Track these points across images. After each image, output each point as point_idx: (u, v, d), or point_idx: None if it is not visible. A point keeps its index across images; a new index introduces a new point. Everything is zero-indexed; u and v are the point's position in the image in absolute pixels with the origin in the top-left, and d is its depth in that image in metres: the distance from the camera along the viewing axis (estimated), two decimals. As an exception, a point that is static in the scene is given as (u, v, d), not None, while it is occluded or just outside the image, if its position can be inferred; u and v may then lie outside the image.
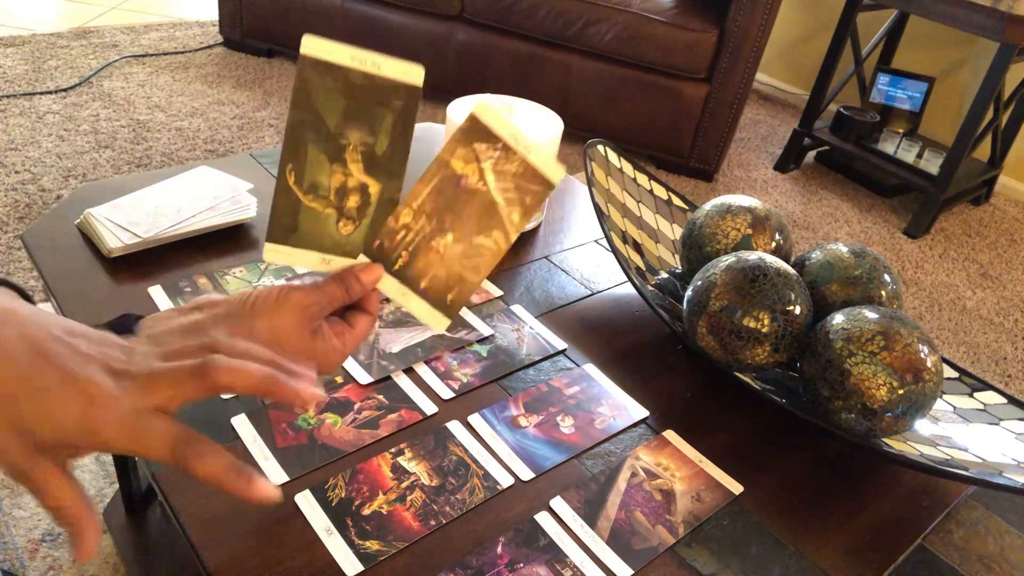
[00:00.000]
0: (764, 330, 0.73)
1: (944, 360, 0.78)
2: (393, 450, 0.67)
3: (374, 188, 0.52)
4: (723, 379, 0.82)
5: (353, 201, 0.52)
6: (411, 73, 0.50)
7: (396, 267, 0.54)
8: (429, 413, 0.71)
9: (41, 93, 2.28)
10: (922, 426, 0.77)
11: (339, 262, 0.53)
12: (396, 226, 0.53)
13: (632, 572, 0.60)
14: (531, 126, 0.96)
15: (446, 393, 0.74)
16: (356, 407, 0.70)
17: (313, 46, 0.48)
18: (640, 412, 0.76)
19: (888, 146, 2.55)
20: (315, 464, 0.64)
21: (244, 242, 0.89)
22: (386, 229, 0.53)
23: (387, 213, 0.52)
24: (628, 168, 1.01)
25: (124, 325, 0.47)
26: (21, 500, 1.15)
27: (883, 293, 0.79)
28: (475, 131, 0.52)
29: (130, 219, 0.85)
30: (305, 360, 0.49)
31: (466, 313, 0.84)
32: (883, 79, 2.71)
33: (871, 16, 2.82)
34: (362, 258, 0.53)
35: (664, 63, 2.34)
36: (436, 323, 0.55)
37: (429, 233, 0.53)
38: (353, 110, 0.50)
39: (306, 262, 0.52)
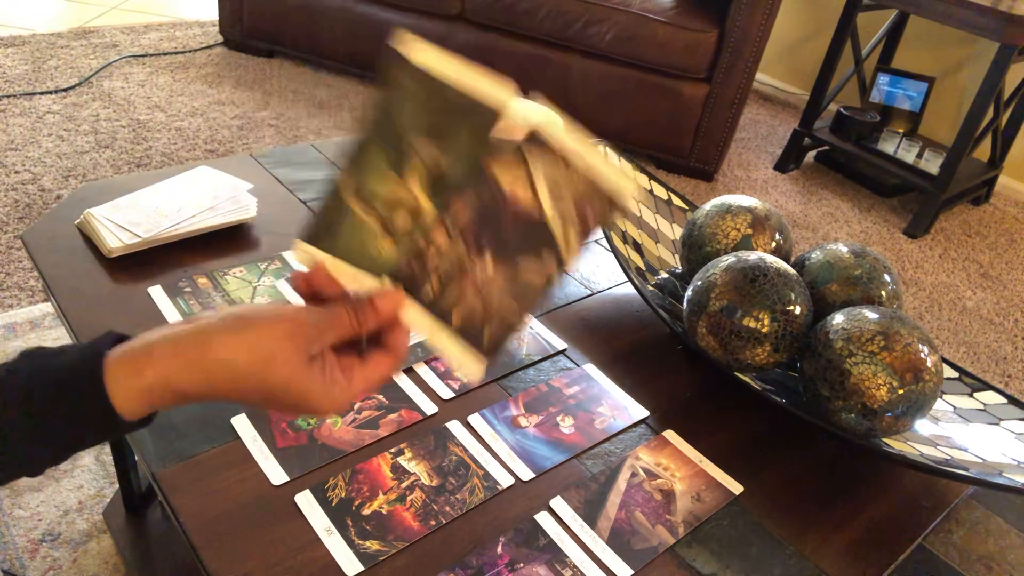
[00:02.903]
0: (764, 330, 0.73)
1: (944, 360, 0.78)
2: (393, 450, 0.67)
3: (429, 214, 0.44)
4: (723, 379, 0.82)
5: (401, 220, 0.44)
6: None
7: (427, 297, 0.45)
8: (429, 413, 0.71)
9: (41, 93, 2.28)
10: (922, 426, 0.77)
11: (369, 283, 0.45)
12: (424, 246, 0.44)
13: (632, 572, 0.60)
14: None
15: (446, 393, 0.74)
16: (356, 407, 0.70)
17: (419, 52, 0.42)
18: (640, 412, 0.76)
19: (888, 146, 2.55)
20: (315, 464, 0.64)
21: (244, 242, 0.89)
22: (414, 248, 0.45)
23: None
24: (628, 168, 1.01)
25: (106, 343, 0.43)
26: (21, 500, 1.15)
27: (883, 293, 0.79)
28: (530, 140, 0.43)
29: (130, 219, 0.85)
30: (293, 394, 0.43)
31: (466, 313, 0.84)
32: (883, 79, 2.70)
33: (871, 16, 2.82)
34: (387, 283, 0.45)
35: (664, 63, 2.34)
36: (468, 366, 0.46)
37: (464, 256, 0.45)
38: (438, 128, 0.43)
39: (336, 272, 0.45)
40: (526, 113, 0.43)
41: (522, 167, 0.44)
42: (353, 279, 0.45)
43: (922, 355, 0.68)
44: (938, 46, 2.83)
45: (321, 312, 0.44)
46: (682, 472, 0.70)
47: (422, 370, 0.76)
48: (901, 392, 0.67)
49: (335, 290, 0.45)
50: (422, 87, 0.43)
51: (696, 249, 0.87)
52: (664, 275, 0.94)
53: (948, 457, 0.71)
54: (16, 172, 1.90)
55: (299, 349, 0.43)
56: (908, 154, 2.50)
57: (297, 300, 0.47)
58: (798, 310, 0.74)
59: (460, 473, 0.66)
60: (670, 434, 0.74)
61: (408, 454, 0.66)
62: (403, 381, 0.74)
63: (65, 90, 2.32)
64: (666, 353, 0.85)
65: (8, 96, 2.23)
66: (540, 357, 0.80)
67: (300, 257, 0.46)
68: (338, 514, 0.60)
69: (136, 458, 1.05)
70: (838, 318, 0.72)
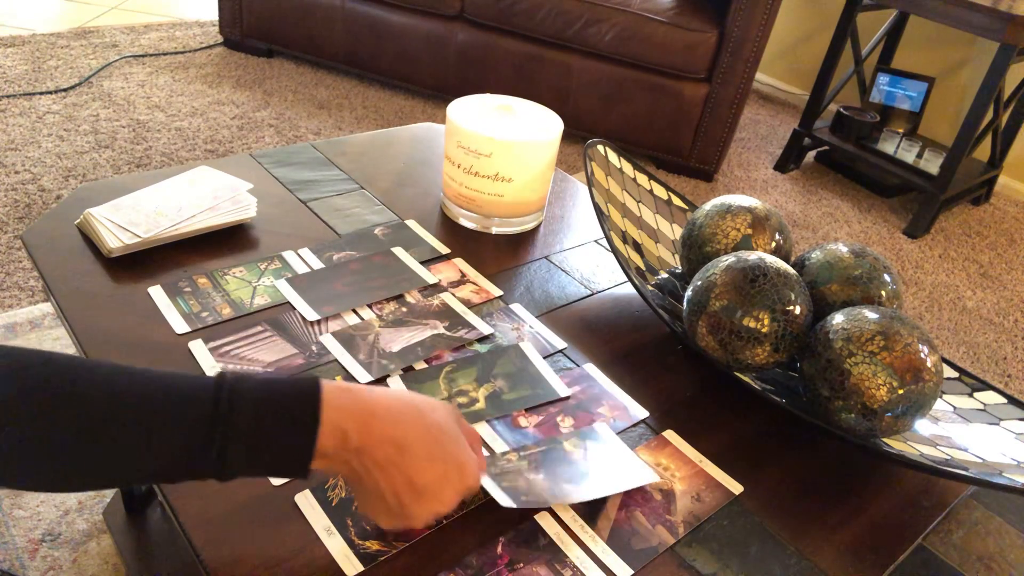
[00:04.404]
0: (764, 330, 0.73)
1: (944, 360, 0.78)
2: (393, 450, 0.66)
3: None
4: (723, 379, 0.82)
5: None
6: None
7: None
8: (429, 413, 0.71)
9: (41, 93, 2.28)
10: (922, 426, 0.77)
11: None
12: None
13: (632, 572, 0.60)
14: (531, 126, 0.96)
15: (446, 393, 0.74)
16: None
17: None
18: (640, 412, 0.76)
19: (888, 146, 2.55)
20: (315, 464, 0.64)
21: (244, 242, 0.89)
22: None
23: None
24: (628, 168, 1.01)
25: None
26: (21, 500, 1.15)
27: (883, 293, 0.79)
28: None
29: (130, 219, 0.85)
30: (449, 434, 0.56)
31: (466, 312, 0.84)
32: (883, 79, 2.70)
33: (871, 16, 2.82)
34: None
35: (664, 63, 2.34)
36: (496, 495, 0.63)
37: None
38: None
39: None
40: None
41: None
42: None
43: (922, 355, 0.68)
44: (938, 46, 2.84)
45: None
46: (682, 472, 0.70)
47: (422, 369, 0.76)
48: (901, 392, 0.67)
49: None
50: None
51: (696, 249, 0.87)
52: (664, 275, 0.94)
53: (948, 457, 0.71)
54: (16, 172, 1.90)
55: (452, 409, 0.57)
56: (908, 154, 2.50)
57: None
58: (798, 310, 0.74)
59: (460, 473, 0.66)
60: (670, 434, 0.74)
61: (408, 454, 0.66)
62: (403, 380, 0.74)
63: (65, 90, 2.32)
64: (666, 353, 0.85)
65: (8, 96, 2.23)
66: (540, 356, 0.80)
67: None
68: (338, 514, 0.60)
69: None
70: (838, 318, 0.72)
